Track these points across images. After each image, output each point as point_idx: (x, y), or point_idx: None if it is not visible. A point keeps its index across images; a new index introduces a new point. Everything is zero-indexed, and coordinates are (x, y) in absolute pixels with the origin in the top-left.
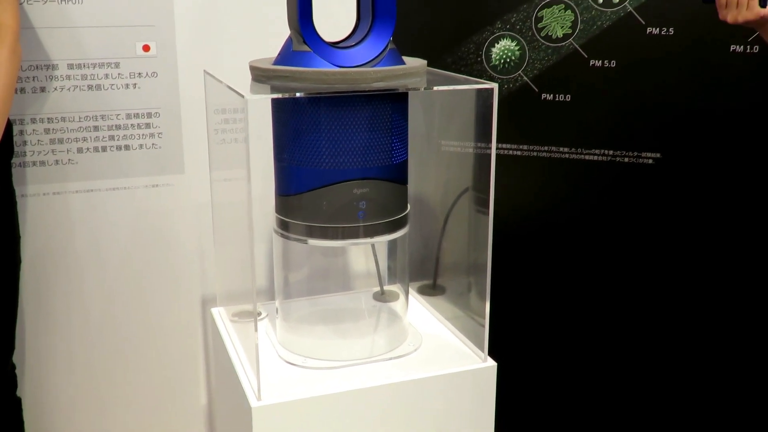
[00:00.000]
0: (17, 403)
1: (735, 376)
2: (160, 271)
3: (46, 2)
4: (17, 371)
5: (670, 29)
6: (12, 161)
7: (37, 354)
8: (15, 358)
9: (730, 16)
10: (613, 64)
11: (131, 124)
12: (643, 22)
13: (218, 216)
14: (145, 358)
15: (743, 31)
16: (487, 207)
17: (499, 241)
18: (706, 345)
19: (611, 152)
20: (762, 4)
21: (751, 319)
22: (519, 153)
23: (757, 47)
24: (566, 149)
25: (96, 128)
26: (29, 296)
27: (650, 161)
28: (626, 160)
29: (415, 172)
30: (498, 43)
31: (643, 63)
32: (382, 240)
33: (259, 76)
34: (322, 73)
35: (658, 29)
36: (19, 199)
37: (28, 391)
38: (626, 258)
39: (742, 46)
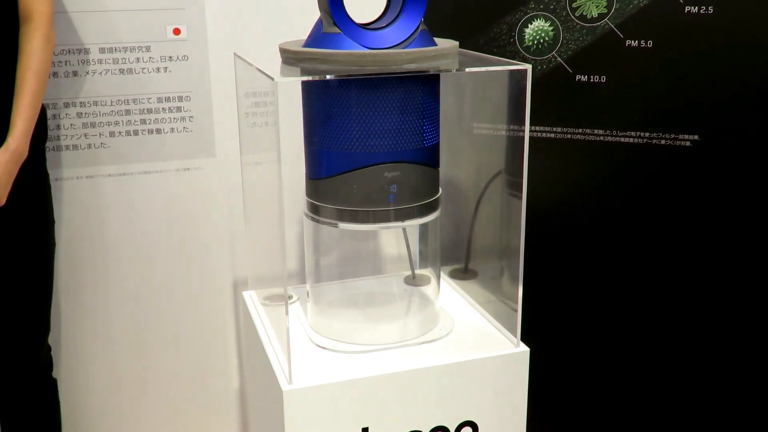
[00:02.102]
0: (53, 384)
1: None
2: (192, 253)
3: None
4: (53, 353)
5: (709, 8)
6: (46, 145)
7: (72, 336)
8: (50, 340)
9: None
10: (650, 44)
11: (162, 108)
12: (681, 1)
13: (249, 199)
14: (177, 341)
15: None
16: (520, 190)
17: (532, 225)
18: (748, 331)
19: (647, 134)
20: None
21: None
22: (552, 135)
23: None
24: (601, 131)
25: (128, 112)
26: (64, 279)
27: (688, 143)
28: (663, 142)
29: (446, 155)
30: (531, 24)
31: (680, 43)
32: (414, 224)
33: (289, 58)
34: (353, 55)
35: (696, 8)
36: (53, 183)
37: (63, 372)
38: (662, 241)
39: None
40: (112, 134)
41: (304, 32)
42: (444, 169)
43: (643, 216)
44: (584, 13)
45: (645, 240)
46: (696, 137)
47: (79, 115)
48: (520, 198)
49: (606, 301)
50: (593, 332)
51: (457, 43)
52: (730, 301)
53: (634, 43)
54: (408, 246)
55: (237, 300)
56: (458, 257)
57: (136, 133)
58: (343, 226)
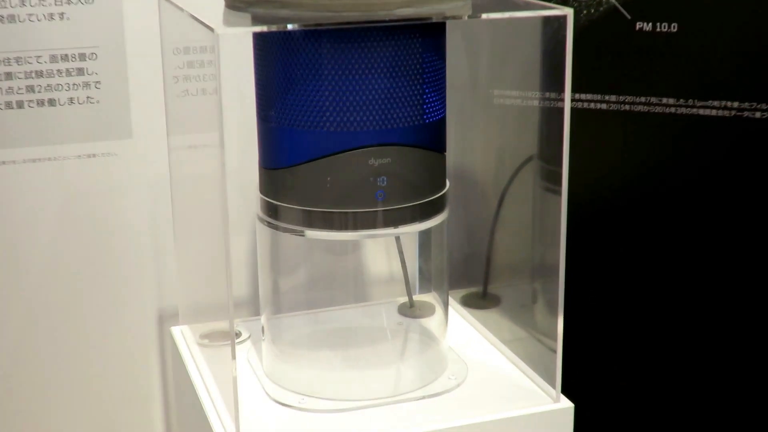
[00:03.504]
0: None
1: None
2: (100, 274)
3: None
4: None
5: None
6: None
7: None
8: None
9: None
10: None
11: (57, 70)
12: None
13: (180, 198)
14: (81, 396)
15: None
16: (559, 183)
17: (576, 232)
18: None
19: (735, 104)
20: None
21: None
22: (604, 107)
23: None
24: (671, 101)
25: (8, 75)
26: None
27: None
28: (757, 114)
29: (456, 135)
30: None
31: None
32: (411, 230)
33: (236, 1)
34: None
35: None
36: None
37: None
38: (757, 254)
39: None
40: None
41: None
42: (453, 154)
43: (730, 216)
44: None
45: (732, 249)
46: None
47: None
48: (560, 193)
49: (680, 333)
50: (661, 377)
51: None
52: None
53: None
54: (403, 262)
55: (163, 338)
56: (473, 277)
57: (20, 105)
58: (312, 234)
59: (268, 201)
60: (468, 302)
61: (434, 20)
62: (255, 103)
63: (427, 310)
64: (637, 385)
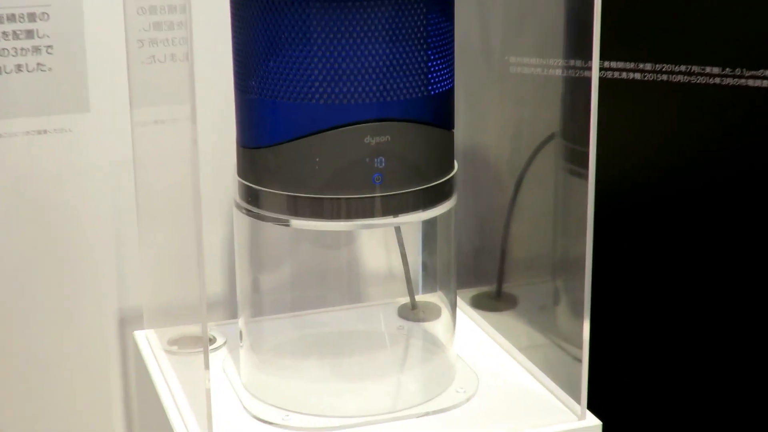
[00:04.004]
0: None
1: None
2: (52, 269)
3: None
4: None
5: None
6: None
7: None
8: None
9: None
10: None
11: (3, 32)
12: None
13: (145, 181)
14: (28, 409)
15: None
16: (586, 166)
17: (604, 222)
18: None
19: None
20: None
21: None
22: (638, 76)
23: None
24: (717, 70)
25: None
26: None
27: None
28: None
29: (466, 109)
30: None
31: None
32: (413, 220)
33: None
34: None
35: None
36: None
37: None
38: None
39: None
40: None
41: None
42: (462, 132)
43: None
44: None
45: None
46: None
47: None
48: (586, 177)
49: (729, 339)
50: (699, 389)
51: None
52: None
53: None
54: (404, 256)
55: (125, 344)
56: (485, 274)
57: None
58: (299, 223)
59: (248, 185)
60: (479, 303)
61: None
62: (232, 72)
63: (431, 313)
64: (675, 399)
